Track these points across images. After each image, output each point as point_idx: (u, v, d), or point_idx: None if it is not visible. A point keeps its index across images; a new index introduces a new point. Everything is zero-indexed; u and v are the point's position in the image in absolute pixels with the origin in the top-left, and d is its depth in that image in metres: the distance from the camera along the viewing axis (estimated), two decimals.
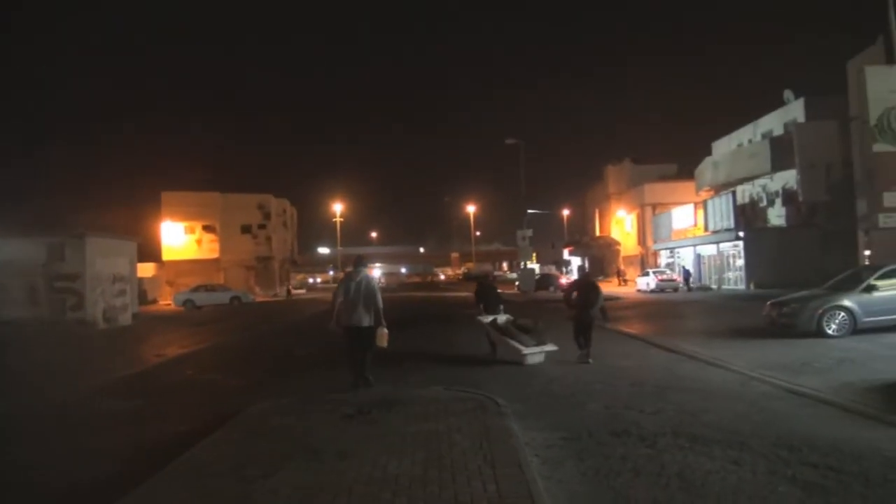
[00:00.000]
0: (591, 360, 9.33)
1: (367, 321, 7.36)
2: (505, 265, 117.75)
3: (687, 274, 33.34)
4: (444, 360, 10.18)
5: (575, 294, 9.75)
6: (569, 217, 74.88)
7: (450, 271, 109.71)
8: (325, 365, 10.46)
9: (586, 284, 9.79)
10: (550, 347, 9.62)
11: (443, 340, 13.06)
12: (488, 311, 10.94)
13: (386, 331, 7.54)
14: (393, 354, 9.23)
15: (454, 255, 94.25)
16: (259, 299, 38.80)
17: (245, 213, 47.67)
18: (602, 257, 58.24)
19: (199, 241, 46.18)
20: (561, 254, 68.68)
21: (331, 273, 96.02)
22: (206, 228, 46.36)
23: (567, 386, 7.80)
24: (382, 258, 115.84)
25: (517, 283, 38.25)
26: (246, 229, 47.91)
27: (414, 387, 7.62)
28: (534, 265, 55.44)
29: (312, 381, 8.71)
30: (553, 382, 8.03)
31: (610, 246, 56.62)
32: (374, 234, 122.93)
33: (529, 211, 43.29)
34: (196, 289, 34.69)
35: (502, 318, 10.67)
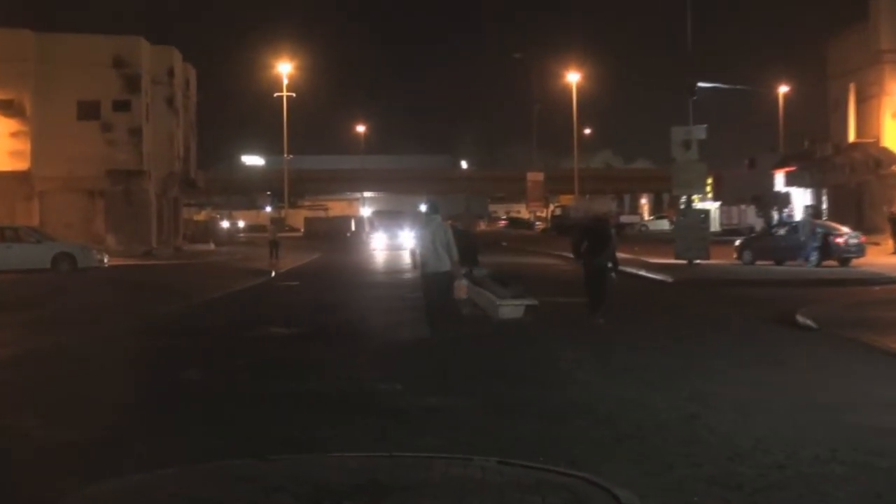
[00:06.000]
0: (602, 321, 16.89)
1: (446, 266, 13.88)
2: (643, 203, 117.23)
3: None
4: (509, 405, 10.49)
5: (585, 243, 17.41)
6: (785, 101, 73.56)
7: (524, 212, 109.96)
8: (241, 399, 10.60)
9: (596, 230, 17.65)
10: (530, 301, 18.11)
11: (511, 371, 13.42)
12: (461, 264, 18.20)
13: (465, 282, 14.77)
14: (402, 391, 11.41)
15: (533, 176, 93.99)
16: (115, 261, 39.50)
17: (87, 78, 48.36)
18: (859, 188, 57.15)
19: None
20: (769, 180, 67.77)
21: (267, 210, 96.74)
22: (5, 106, 47.26)
23: (770, 466, 7.77)
24: (378, 181, 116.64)
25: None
26: (89, 111, 48.74)
27: (431, 455, 7.71)
28: (707, 202, 54.77)
29: (216, 434, 8.83)
30: (738, 459, 7.98)
31: (879, 165, 55.52)
32: (360, 130, 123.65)
33: (701, 84, 42.14)
34: None
35: (479, 272, 19.28)
